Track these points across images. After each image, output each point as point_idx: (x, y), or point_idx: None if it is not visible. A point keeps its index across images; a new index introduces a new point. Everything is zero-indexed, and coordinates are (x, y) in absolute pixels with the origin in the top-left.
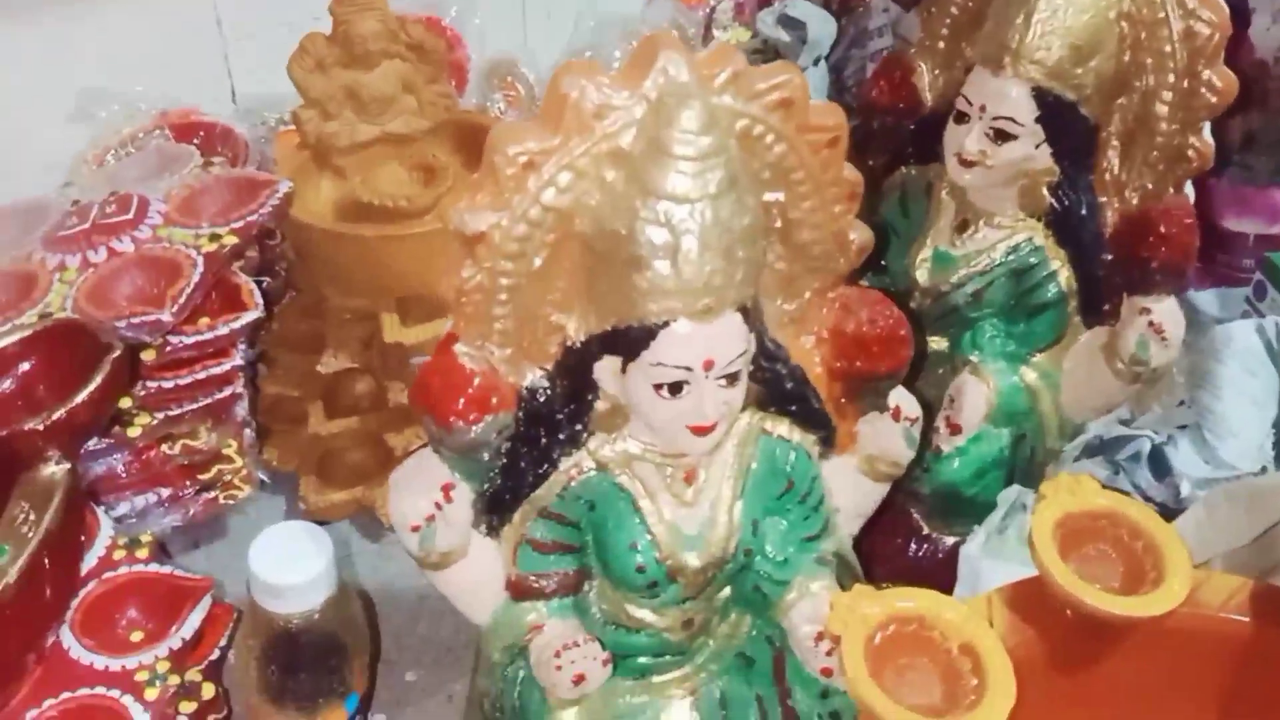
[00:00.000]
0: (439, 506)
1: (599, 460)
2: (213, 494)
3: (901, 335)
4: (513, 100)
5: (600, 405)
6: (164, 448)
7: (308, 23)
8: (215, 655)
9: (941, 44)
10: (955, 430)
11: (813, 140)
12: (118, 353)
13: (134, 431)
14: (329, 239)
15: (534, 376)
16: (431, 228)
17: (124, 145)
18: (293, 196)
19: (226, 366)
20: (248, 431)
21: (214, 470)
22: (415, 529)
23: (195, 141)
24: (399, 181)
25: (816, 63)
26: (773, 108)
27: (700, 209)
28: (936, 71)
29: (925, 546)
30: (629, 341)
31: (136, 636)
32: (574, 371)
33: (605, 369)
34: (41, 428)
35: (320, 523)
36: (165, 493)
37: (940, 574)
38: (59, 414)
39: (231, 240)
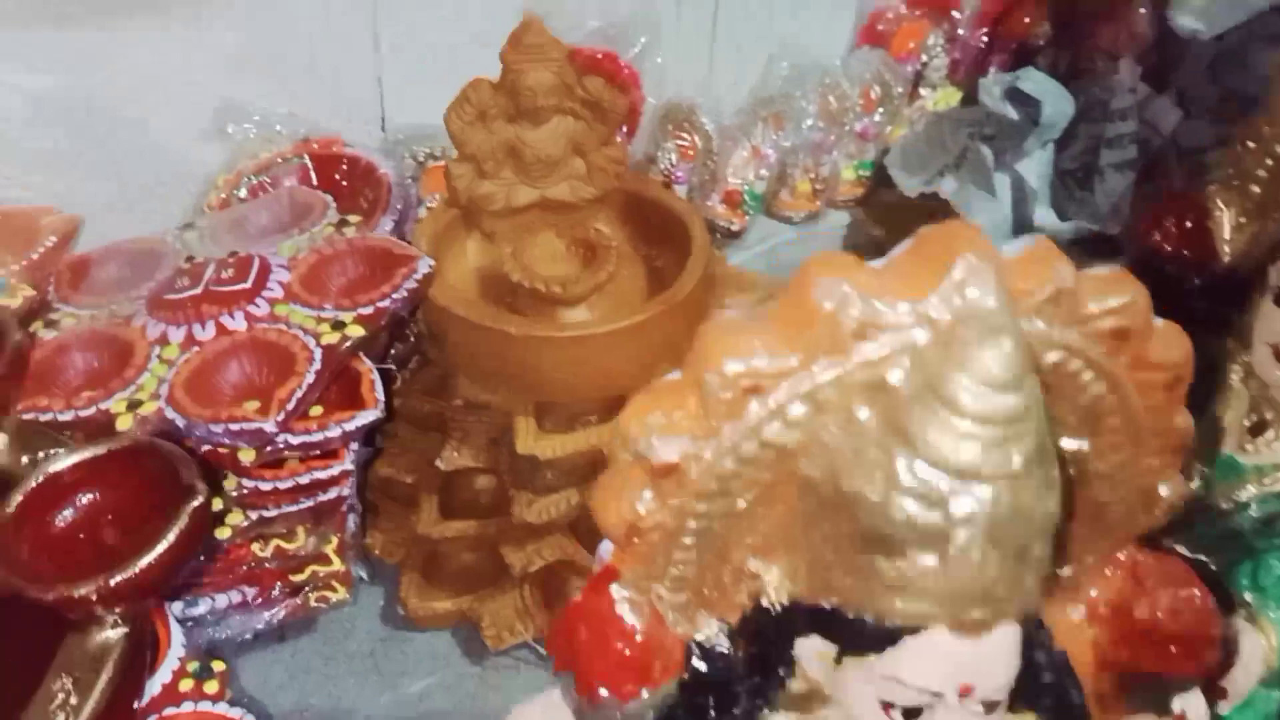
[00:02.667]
0: None
1: None
2: (302, 598)
3: (1210, 635)
4: (686, 151)
5: (795, 685)
6: (255, 548)
7: (473, 47)
8: None
9: (1256, 188)
10: (1219, 695)
11: (1145, 380)
12: (199, 501)
13: (223, 533)
14: (468, 328)
15: (711, 630)
16: (586, 332)
17: (259, 172)
18: (433, 278)
19: (335, 471)
20: (351, 521)
21: (308, 571)
22: None
23: (337, 174)
24: (554, 256)
25: (1044, 146)
26: (1101, 337)
27: (994, 492)
28: (1243, 220)
29: None
30: (856, 636)
31: None
32: (767, 640)
33: (810, 649)
34: (94, 596)
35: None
36: (251, 592)
37: None
38: (119, 578)
39: (357, 333)
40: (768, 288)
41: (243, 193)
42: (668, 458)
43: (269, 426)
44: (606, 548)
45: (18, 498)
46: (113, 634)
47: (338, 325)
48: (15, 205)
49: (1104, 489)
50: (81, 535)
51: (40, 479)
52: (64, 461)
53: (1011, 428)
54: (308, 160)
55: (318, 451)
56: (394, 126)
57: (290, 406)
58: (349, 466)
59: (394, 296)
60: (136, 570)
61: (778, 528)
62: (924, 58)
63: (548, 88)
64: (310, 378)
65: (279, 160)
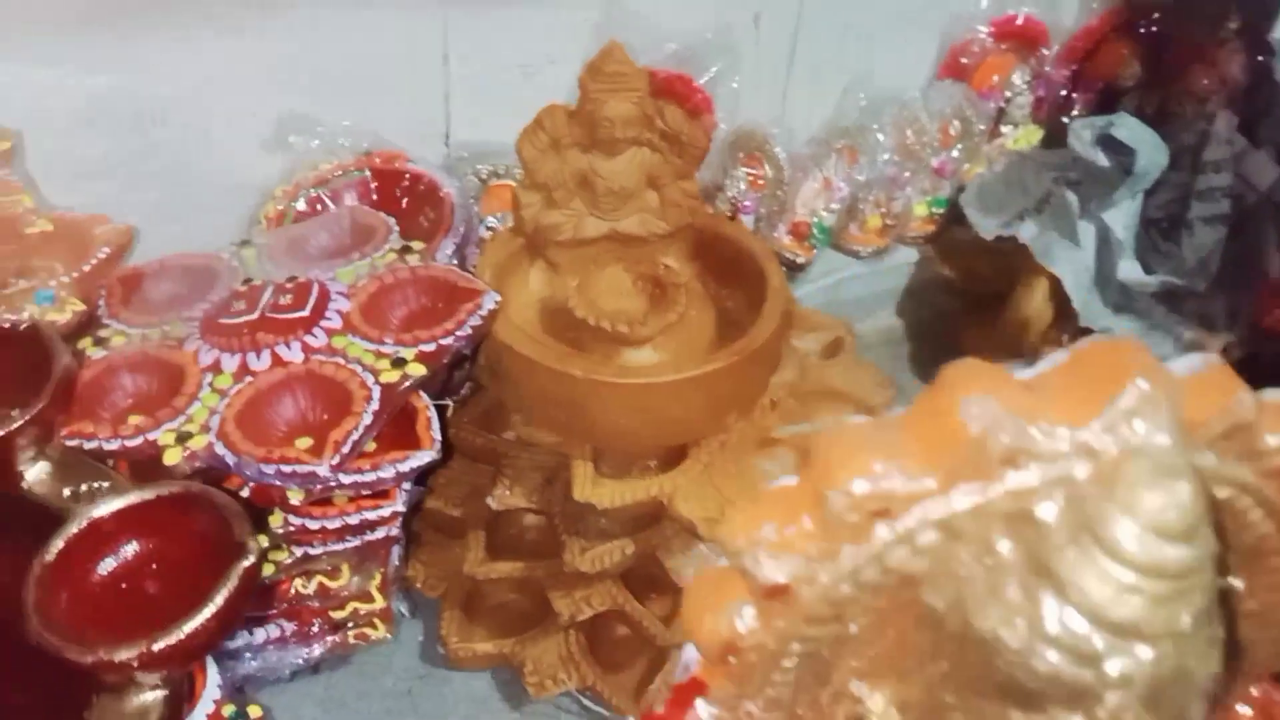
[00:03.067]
0: None
1: None
2: (341, 635)
3: None
4: (755, 181)
5: None
6: (297, 583)
7: (543, 65)
8: None
9: None
10: None
11: None
12: (250, 561)
13: (267, 570)
14: (530, 367)
15: None
16: (654, 380)
17: (318, 184)
18: (497, 314)
19: (386, 512)
20: (395, 554)
21: (349, 608)
22: None
23: (398, 191)
24: (620, 290)
25: (1134, 196)
26: (1276, 474)
27: (1156, 654)
28: None
29: None
30: None
31: None
32: None
33: None
34: (136, 661)
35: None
36: (289, 628)
37: None
38: (163, 644)
39: (418, 372)
40: (833, 329)
41: (300, 205)
42: (777, 578)
43: (322, 470)
44: (692, 657)
45: (58, 544)
46: (151, 697)
47: (398, 362)
48: (69, 212)
49: (1252, 628)
50: (123, 585)
51: (82, 525)
52: (108, 506)
53: (1182, 582)
54: (368, 175)
55: (369, 491)
56: (458, 142)
57: (345, 450)
58: (400, 508)
59: (457, 334)
60: (182, 635)
61: (888, 653)
62: (1007, 94)
63: (627, 119)
64: (367, 419)
65: (338, 173)
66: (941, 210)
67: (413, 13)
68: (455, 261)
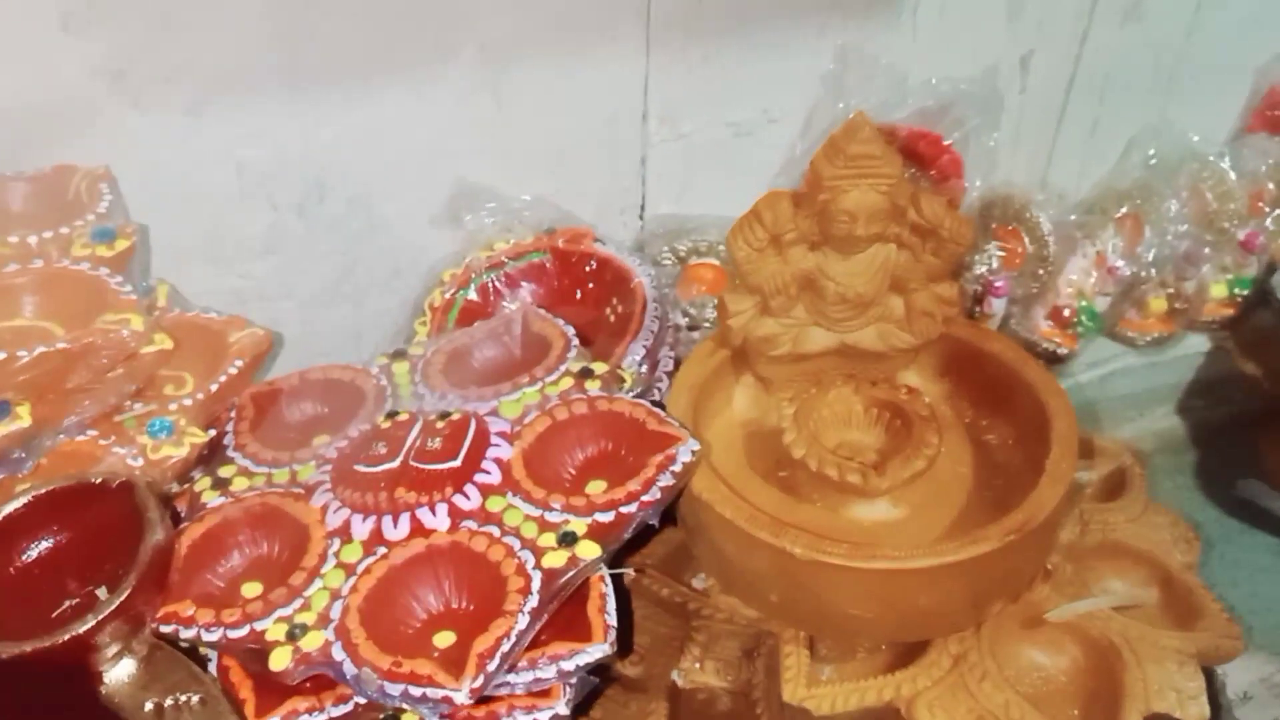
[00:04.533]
0: None
1: None
2: None
3: None
4: (1011, 257)
5: None
6: None
7: (759, 124)
8: None
9: None
10: None
11: None
12: None
13: None
14: (734, 534)
15: None
16: (899, 566)
17: (493, 268)
18: (696, 466)
19: (545, 716)
20: None
21: None
22: None
23: (582, 276)
24: (848, 418)
25: None
26: None
27: None
28: None
29: None
30: None
31: None
32: None
33: None
34: None
35: None
36: None
37: None
38: None
39: (590, 554)
40: (1116, 457)
41: (471, 293)
42: None
43: (461, 696)
44: None
45: None
46: None
47: (566, 538)
48: (203, 315)
49: None
50: None
51: None
52: None
53: None
54: (549, 258)
55: (523, 690)
56: (654, 215)
57: (491, 667)
58: (564, 710)
59: (643, 499)
60: None
61: None
62: None
63: (871, 212)
64: (521, 623)
65: (515, 256)
66: (1245, 292)
67: (610, 63)
68: (645, 369)
